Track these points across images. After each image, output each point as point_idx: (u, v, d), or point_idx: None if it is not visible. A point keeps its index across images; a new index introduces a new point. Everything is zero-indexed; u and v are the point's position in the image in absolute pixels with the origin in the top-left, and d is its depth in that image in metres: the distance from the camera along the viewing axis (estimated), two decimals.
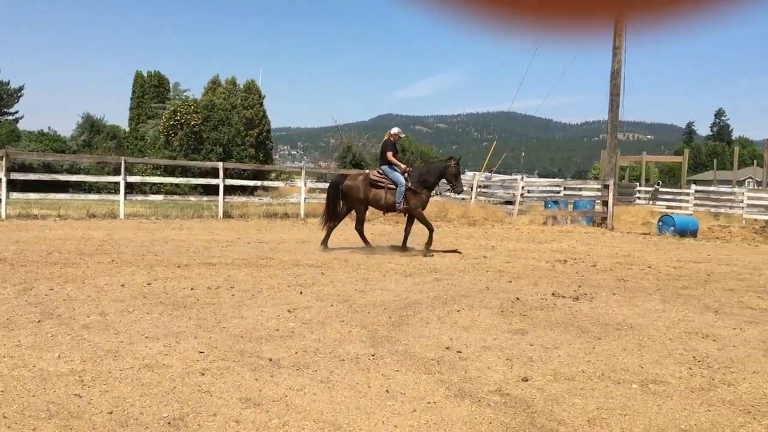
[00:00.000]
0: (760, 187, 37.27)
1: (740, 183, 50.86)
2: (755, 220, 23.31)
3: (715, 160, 66.23)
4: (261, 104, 35.44)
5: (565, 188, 26.51)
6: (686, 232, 17.89)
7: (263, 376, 4.32)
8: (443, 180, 11.59)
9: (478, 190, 22.71)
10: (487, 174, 26.70)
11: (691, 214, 22.31)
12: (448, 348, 5.18)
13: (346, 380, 4.31)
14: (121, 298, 6.73)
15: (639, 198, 28.37)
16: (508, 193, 23.09)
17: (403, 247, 11.57)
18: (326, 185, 27.03)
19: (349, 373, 4.46)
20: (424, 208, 11.57)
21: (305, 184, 19.82)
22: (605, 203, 19.93)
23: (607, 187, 19.87)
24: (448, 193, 22.71)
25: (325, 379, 4.31)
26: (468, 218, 19.01)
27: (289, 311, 6.35)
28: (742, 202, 24.39)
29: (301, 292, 7.37)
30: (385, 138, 11.75)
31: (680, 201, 26.74)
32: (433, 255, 11.12)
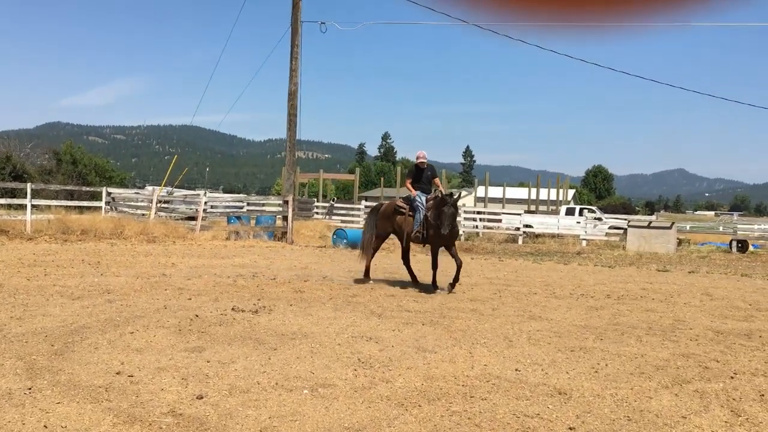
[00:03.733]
0: None
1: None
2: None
3: (382, 178, 73.31)
4: None
5: (248, 204, 26.90)
6: (357, 244, 19.47)
7: None
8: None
9: (159, 205, 21.86)
10: (169, 189, 25.86)
11: (362, 228, 24.32)
12: (118, 373, 4.89)
13: None
14: None
15: (317, 213, 30.05)
16: (191, 209, 22.65)
17: (433, 285, 10.58)
18: None
19: None
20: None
21: None
22: (285, 218, 20.72)
23: (287, 202, 20.69)
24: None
25: None
26: (147, 235, 18.15)
27: None
28: None
29: None
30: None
31: (353, 215, 29.01)
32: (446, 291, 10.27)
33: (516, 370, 5.50)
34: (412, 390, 4.80)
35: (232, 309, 7.82)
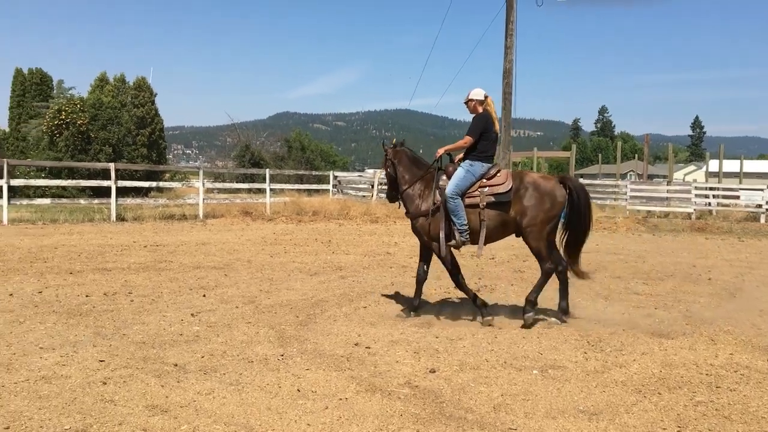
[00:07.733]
0: (641, 180, 39.70)
1: (623, 176, 53.97)
2: (638, 211, 24.80)
3: (599, 155, 69.99)
4: (152, 102, 34.22)
5: None
6: None
7: (169, 382, 4.22)
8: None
9: (380, 187, 22.93)
10: None
11: None
12: (356, 344, 5.24)
13: (256, 381, 4.28)
14: (11, 308, 6.35)
15: None
16: None
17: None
18: (225, 185, 26.37)
19: (258, 374, 4.43)
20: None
21: (203, 184, 19.36)
22: None
23: None
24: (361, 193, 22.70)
25: (234, 382, 4.26)
26: (370, 215, 19.16)
27: (192, 315, 6.21)
28: (625, 194, 25.87)
29: (204, 295, 7.22)
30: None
31: None
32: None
33: None
34: (649, 376, 4.56)
35: (455, 287, 7.96)
